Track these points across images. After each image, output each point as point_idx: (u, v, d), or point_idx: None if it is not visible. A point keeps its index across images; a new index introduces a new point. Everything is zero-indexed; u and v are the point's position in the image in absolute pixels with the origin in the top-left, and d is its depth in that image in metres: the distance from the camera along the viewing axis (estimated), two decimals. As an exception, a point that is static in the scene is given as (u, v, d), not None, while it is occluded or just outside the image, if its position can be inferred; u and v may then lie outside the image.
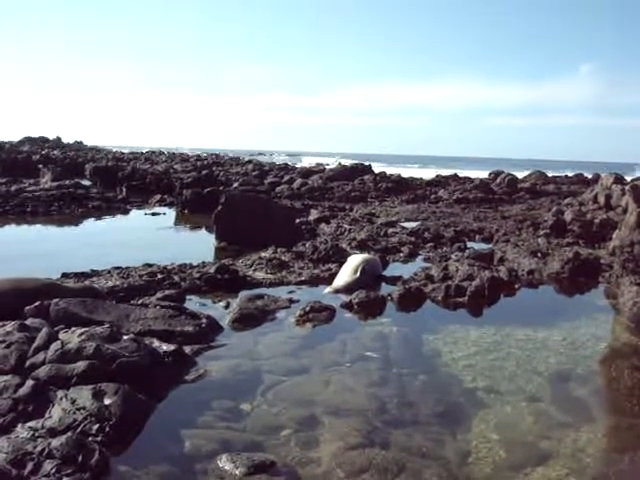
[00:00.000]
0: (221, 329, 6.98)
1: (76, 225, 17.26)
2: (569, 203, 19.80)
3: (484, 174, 36.86)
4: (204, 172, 28.68)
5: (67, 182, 23.67)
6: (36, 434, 4.17)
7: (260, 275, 9.91)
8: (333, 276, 9.66)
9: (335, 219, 17.37)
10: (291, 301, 8.28)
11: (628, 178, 20.50)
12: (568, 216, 15.95)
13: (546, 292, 9.76)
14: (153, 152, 62.29)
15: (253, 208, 13.69)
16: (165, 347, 5.92)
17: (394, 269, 10.85)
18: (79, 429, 4.22)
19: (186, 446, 4.33)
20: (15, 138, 69.28)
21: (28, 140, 66.89)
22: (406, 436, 4.65)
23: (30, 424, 4.30)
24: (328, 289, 9.18)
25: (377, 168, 36.76)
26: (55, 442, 3.95)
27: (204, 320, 6.91)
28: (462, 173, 37.82)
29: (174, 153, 61.47)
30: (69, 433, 4.10)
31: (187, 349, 6.08)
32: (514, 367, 6.22)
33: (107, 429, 4.27)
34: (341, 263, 10.12)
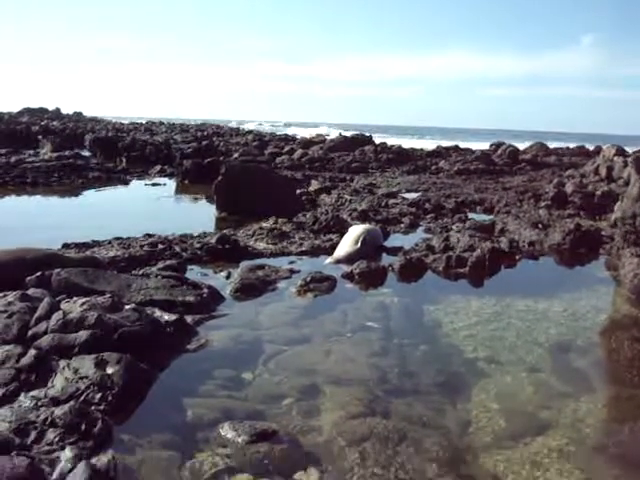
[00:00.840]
0: (222, 299, 6.98)
1: (76, 196, 17.20)
2: (570, 175, 19.75)
3: (484, 146, 36.63)
4: (204, 142, 28.57)
5: (67, 153, 23.59)
6: (39, 403, 4.19)
7: (261, 245, 9.90)
8: (334, 247, 9.66)
9: (336, 190, 17.34)
10: (292, 271, 8.28)
11: (630, 150, 20.39)
12: (569, 188, 15.90)
13: (547, 263, 9.76)
14: (153, 123, 61.97)
15: (254, 179, 13.64)
16: (167, 317, 5.93)
17: (395, 240, 10.84)
18: (82, 398, 4.24)
19: (188, 415, 4.35)
20: (14, 109, 68.97)
21: (27, 111, 66.50)
22: (407, 405, 4.67)
23: (33, 393, 4.32)
24: (329, 259, 9.18)
25: (376, 139, 36.56)
26: (58, 411, 3.97)
27: (205, 290, 6.91)
28: (462, 145, 37.62)
29: (174, 124, 61.15)
30: (72, 402, 4.12)
31: (189, 319, 6.09)
32: (514, 338, 6.23)
33: (110, 398, 4.28)
34: (342, 234, 10.12)
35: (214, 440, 4.03)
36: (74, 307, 5.58)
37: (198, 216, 13.88)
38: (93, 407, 4.15)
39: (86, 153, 26.97)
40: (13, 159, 21.71)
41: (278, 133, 48.20)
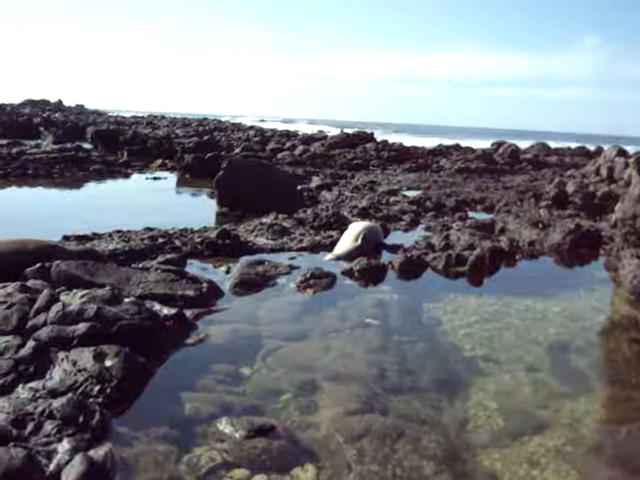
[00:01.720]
0: (222, 294, 6.98)
1: (77, 188, 17.21)
2: (571, 175, 19.71)
3: (485, 145, 36.58)
4: (206, 137, 28.54)
5: (69, 145, 23.60)
6: (37, 395, 4.19)
7: (261, 241, 9.89)
8: (334, 243, 9.66)
9: (337, 186, 17.34)
10: (292, 267, 8.28)
11: (631, 151, 20.37)
12: (570, 188, 15.87)
13: (546, 263, 9.76)
14: (155, 117, 61.93)
15: (255, 174, 13.64)
16: (166, 310, 5.93)
17: (395, 237, 10.83)
18: (80, 390, 4.25)
19: (186, 409, 4.35)
20: (16, 100, 68.90)
21: (29, 102, 66.49)
22: (405, 403, 4.67)
23: (31, 385, 4.32)
24: (329, 256, 9.18)
25: (377, 137, 36.52)
26: (56, 403, 3.97)
27: (205, 284, 6.91)
28: (463, 143, 37.56)
29: (175, 118, 61.10)
30: (70, 394, 4.12)
31: (188, 313, 6.09)
32: (513, 337, 6.23)
33: (108, 391, 4.29)
34: (342, 230, 10.11)
35: (211, 435, 4.04)
36: (73, 299, 5.58)
37: (199, 210, 13.89)
38: (91, 399, 4.15)
39: (87, 146, 26.94)
40: (15, 150, 21.71)
41: (280, 129, 48.16)
